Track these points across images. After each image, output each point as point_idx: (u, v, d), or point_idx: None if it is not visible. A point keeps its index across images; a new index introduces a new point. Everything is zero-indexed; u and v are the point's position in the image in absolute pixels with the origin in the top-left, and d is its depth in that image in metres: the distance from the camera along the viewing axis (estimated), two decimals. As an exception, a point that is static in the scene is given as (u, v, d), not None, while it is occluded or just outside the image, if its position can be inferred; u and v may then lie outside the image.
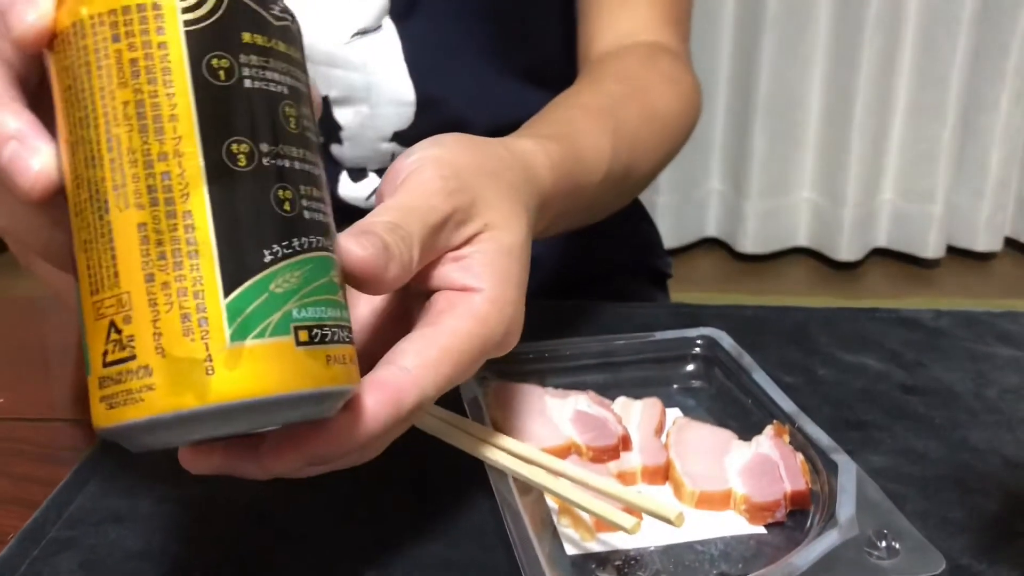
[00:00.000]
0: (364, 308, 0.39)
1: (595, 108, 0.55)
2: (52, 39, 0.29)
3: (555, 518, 0.41)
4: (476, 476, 0.43)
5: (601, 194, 0.53)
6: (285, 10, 0.30)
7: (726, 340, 0.53)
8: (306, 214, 0.29)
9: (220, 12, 0.28)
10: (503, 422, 0.46)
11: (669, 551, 0.39)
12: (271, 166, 0.28)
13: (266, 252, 0.27)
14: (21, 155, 0.29)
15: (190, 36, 0.27)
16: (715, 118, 2.29)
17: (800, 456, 0.43)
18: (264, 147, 0.28)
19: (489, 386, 0.48)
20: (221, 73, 0.28)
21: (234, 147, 0.27)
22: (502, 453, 0.41)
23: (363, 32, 0.68)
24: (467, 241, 0.37)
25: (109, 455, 0.46)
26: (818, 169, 2.29)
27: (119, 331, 0.27)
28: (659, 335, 0.54)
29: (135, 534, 0.41)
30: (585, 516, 0.40)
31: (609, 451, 0.44)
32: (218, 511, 0.43)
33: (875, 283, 2.28)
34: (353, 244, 0.31)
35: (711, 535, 0.41)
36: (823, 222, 2.30)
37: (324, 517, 0.42)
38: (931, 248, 2.28)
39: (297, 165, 0.29)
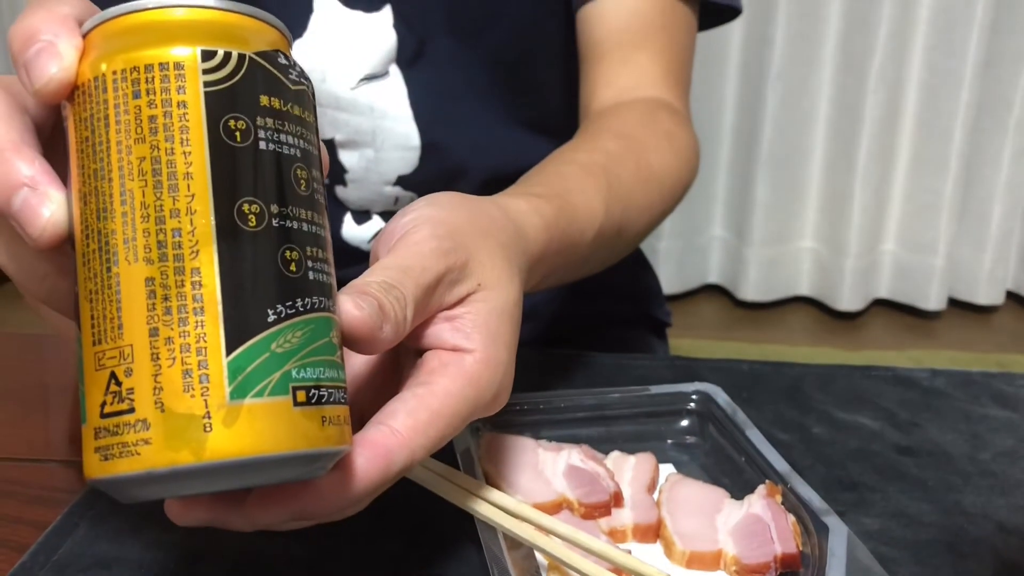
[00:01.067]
0: (357, 360, 0.39)
1: (590, 166, 0.56)
2: (72, 91, 0.29)
3: (544, 575, 0.41)
4: (466, 530, 0.43)
5: (593, 252, 0.54)
6: (301, 75, 0.31)
7: (721, 396, 0.53)
8: (311, 275, 0.29)
9: (240, 75, 0.28)
10: (495, 475, 0.46)
11: (658, 612, 0.39)
12: (280, 227, 0.29)
13: (270, 312, 0.28)
14: (32, 202, 0.29)
15: (209, 97, 0.28)
16: (718, 166, 2.30)
17: (792, 517, 0.43)
18: (274, 208, 0.29)
19: (482, 437, 0.48)
20: (238, 134, 0.28)
21: (245, 207, 0.28)
22: (492, 508, 0.41)
23: (370, 78, 0.69)
24: (460, 301, 0.37)
25: (100, 499, 0.46)
26: (820, 219, 2.30)
27: (119, 383, 0.27)
28: (654, 389, 0.54)
29: (123, 581, 0.41)
30: (574, 574, 0.40)
31: (601, 508, 0.44)
32: (207, 559, 0.43)
33: (876, 334, 2.28)
34: (350, 304, 0.32)
35: (700, 596, 0.41)
36: (825, 272, 2.31)
37: (313, 568, 0.42)
38: (932, 300, 2.28)
39: (305, 227, 0.29)
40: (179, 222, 0.27)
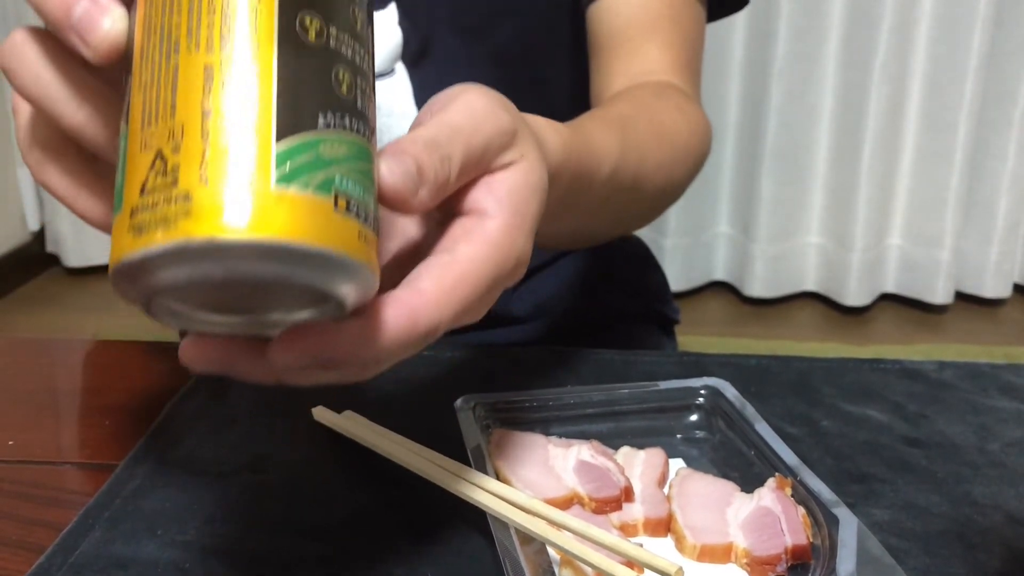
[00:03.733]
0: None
1: (605, 117, 0.56)
2: None
3: (556, 569, 0.41)
4: (478, 526, 0.43)
5: (608, 195, 0.53)
6: None
7: (730, 391, 0.53)
8: (359, 104, 0.30)
9: None
10: (506, 471, 0.46)
11: (670, 604, 0.39)
12: (336, 48, 0.29)
13: (320, 116, 0.28)
14: (93, 13, 0.30)
15: None
16: (724, 162, 2.31)
17: (802, 509, 0.43)
18: (332, 30, 0.29)
19: (492, 434, 0.49)
20: None
21: (307, 19, 0.29)
22: (504, 503, 0.41)
23: (377, 76, 0.69)
24: (503, 167, 0.37)
25: (115, 500, 0.47)
26: (826, 214, 2.30)
27: (164, 159, 0.27)
28: (663, 385, 0.54)
29: (139, 580, 0.41)
30: (586, 568, 0.40)
31: (612, 502, 0.45)
32: (223, 558, 0.43)
33: (883, 329, 2.28)
34: (383, 165, 0.32)
35: (712, 589, 0.41)
36: (831, 267, 2.31)
37: (327, 565, 0.42)
38: (939, 294, 2.28)
39: (357, 60, 0.30)
40: (246, 17, 0.28)
